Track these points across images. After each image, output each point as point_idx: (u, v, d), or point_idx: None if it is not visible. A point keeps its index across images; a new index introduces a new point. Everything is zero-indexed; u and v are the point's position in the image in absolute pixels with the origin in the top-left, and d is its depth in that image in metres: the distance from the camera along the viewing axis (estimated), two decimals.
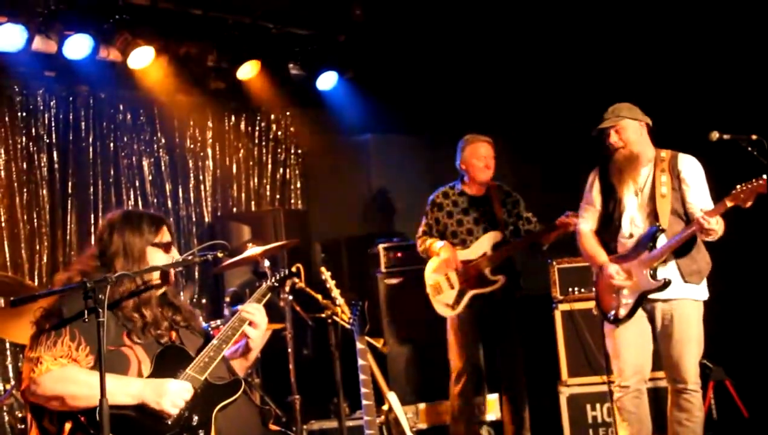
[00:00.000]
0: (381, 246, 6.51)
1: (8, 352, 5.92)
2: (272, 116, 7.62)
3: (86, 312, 2.83)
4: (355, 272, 6.87)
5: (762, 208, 4.24)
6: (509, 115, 6.67)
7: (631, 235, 4.43)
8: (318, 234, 7.11)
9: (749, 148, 4.25)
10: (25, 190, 6.23)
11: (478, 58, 6.81)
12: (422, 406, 6.17)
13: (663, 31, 6.14)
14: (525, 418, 5.58)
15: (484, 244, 5.53)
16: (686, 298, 4.37)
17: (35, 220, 6.26)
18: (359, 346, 4.47)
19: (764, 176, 4.01)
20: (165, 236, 3.24)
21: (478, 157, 5.58)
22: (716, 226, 4.14)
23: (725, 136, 4.28)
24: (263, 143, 7.59)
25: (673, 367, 4.39)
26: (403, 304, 6.32)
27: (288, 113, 7.66)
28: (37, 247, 6.24)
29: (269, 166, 7.60)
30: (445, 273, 5.55)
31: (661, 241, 4.32)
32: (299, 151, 7.77)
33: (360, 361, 4.41)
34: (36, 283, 6.00)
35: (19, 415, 5.57)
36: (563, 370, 5.68)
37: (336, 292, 4.87)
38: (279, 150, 7.67)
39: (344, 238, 7.15)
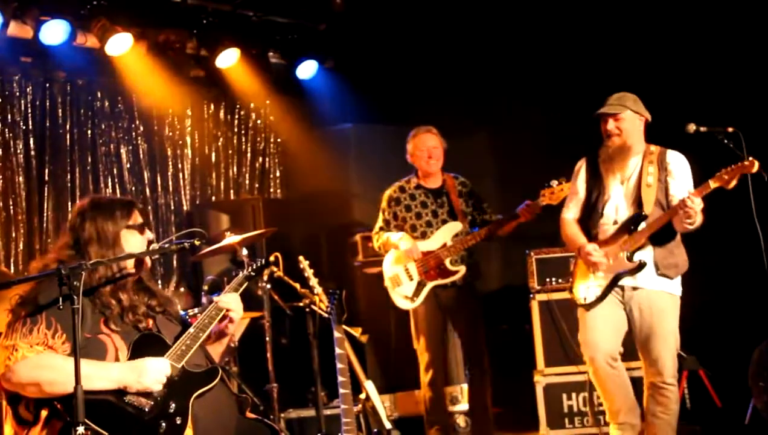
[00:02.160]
0: (359, 235, 6.52)
1: None
2: (252, 105, 7.59)
3: (61, 299, 2.82)
4: (333, 261, 6.88)
5: (734, 200, 4.28)
6: (491, 105, 6.69)
7: (615, 223, 4.46)
8: (297, 223, 7.10)
9: (725, 141, 4.28)
10: (0, 176, 6.18)
11: (459, 48, 6.82)
12: (399, 395, 6.20)
13: (646, 25, 6.17)
14: (487, 403, 5.54)
15: (443, 235, 5.53)
16: (662, 290, 4.40)
17: (11, 207, 6.22)
18: (337, 334, 4.47)
19: (751, 157, 4.07)
20: (137, 218, 3.24)
21: (422, 149, 5.57)
22: (698, 206, 4.14)
23: (702, 129, 4.31)
24: (242, 132, 7.57)
25: (652, 361, 4.41)
26: (381, 294, 6.32)
27: (268, 102, 7.63)
28: (13, 235, 6.20)
29: (248, 155, 7.58)
30: (405, 265, 5.54)
31: (643, 226, 4.36)
32: (279, 140, 7.75)
33: (337, 350, 4.42)
34: (12, 271, 5.96)
35: None
36: (540, 359, 5.71)
37: (314, 281, 4.87)
38: (258, 139, 7.66)
39: (323, 227, 7.16)
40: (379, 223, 5.71)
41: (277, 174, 7.74)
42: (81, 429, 2.69)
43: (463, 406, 6.07)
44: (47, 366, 2.88)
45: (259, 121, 7.66)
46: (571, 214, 4.67)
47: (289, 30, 6.97)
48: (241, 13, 6.67)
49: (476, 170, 5.72)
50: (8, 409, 3.02)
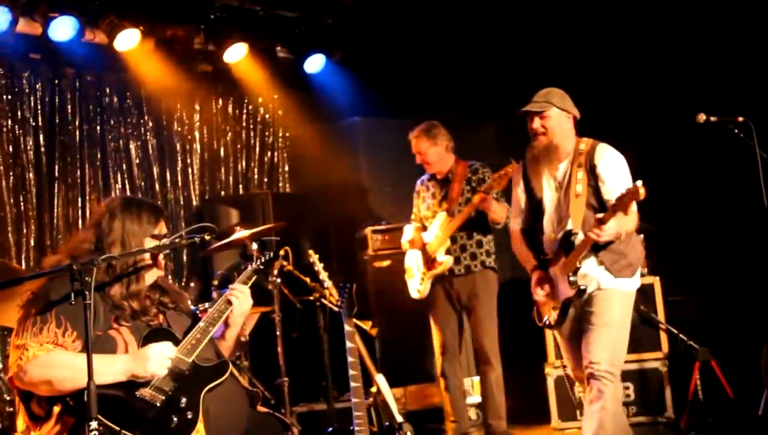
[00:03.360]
0: (369, 229, 6.52)
1: None
2: (260, 99, 7.59)
3: (73, 295, 2.83)
4: (343, 255, 6.88)
5: (746, 193, 4.25)
6: (499, 98, 6.66)
7: (552, 236, 4.19)
8: (306, 217, 7.10)
9: (736, 131, 4.26)
10: (11, 173, 6.20)
11: (467, 40, 6.80)
12: (411, 388, 6.20)
13: (655, 15, 6.14)
14: (495, 393, 5.47)
15: (435, 227, 5.56)
16: (611, 287, 4.07)
17: (22, 204, 6.24)
18: (347, 328, 4.47)
19: (638, 183, 3.70)
20: (163, 229, 3.24)
21: (416, 152, 5.62)
22: (612, 230, 3.85)
23: (712, 118, 4.27)
24: (251, 126, 7.57)
25: (585, 350, 4.07)
26: (390, 287, 6.33)
27: (276, 96, 7.63)
28: (24, 231, 6.22)
29: (257, 150, 7.58)
30: (415, 257, 5.63)
31: (579, 239, 4.00)
32: (287, 134, 7.75)
33: (348, 344, 4.42)
34: (23, 267, 5.98)
35: (8, 398, 5.55)
36: (550, 351, 5.71)
37: (324, 275, 4.88)
38: (267, 133, 7.65)
39: (332, 221, 7.16)
40: (412, 215, 5.81)
41: (286, 168, 7.74)
42: (94, 424, 2.69)
43: (475, 398, 6.06)
44: (57, 364, 2.89)
45: (267, 116, 7.65)
46: (516, 224, 4.41)
47: (296, 24, 6.97)
48: (249, 7, 6.67)
49: (483, 161, 5.70)
50: (21, 405, 3.03)
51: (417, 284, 5.60)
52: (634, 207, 3.89)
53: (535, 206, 4.28)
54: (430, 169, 5.64)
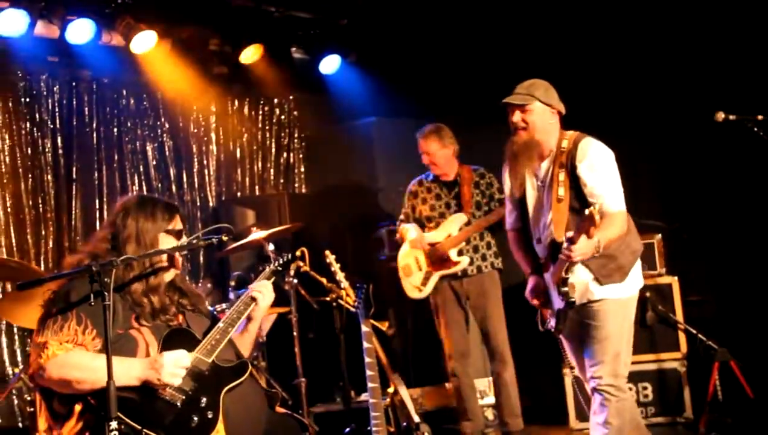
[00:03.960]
0: (385, 229, 6.52)
1: (16, 337, 5.96)
2: (275, 100, 7.60)
3: (92, 296, 2.85)
4: (359, 255, 6.87)
5: (766, 198, 4.20)
6: None
7: (539, 240, 3.99)
8: (322, 217, 7.11)
9: (755, 129, 4.22)
10: (29, 175, 6.24)
11: (482, 39, 6.78)
12: (428, 388, 6.19)
13: (672, 12, 6.11)
14: (510, 401, 5.48)
15: (449, 226, 5.59)
16: (606, 298, 3.87)
17: (40, 206, 6.27)
18: (364, 328, 4.47)
19: (592, 208, 3.48)
20: (177, 224, 3.26)
21: (423, 153, 5.65)
22: (585, 248, 3.62)
23: (731, 117, 4.22)
24: (267, 127, 7.58)
25: (587, 362, 3.95)
26: None
27: (291, 97, 7.64)
28: (43, 233, 6.26)
29: (273, 151, 7.59)
30: (415, 255, 5.64)
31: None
32: (303, 135, 7.76)
33: (365, 344, 4.42)
34: (42, 268, 6.02)
35: (28, 398, 5.61)
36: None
37: (341, 276, 4.88)
38: (282, 134, 7.66)
39: (348, 221, 7.15)
40: (401, 215, 5.84)
41: (302, 169, 7.75)
42: (114, 424, 2.71)
43: (491, 399, 6.05)
44: (75, 365, 2.91)
45: (282, 117, 7.67)
46: (510, 224, 4.21)
47: (311, 25, 6.97)
48: (264, 8, 6.67)
49: (497, 162, 5.68)
50: (42, 403, 3.05)
51: (418, 283, 5.61)
52: (622, 209, 3.74)
53: (519, 206, 4.09)
54: (436, 171, 5.67)
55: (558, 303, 3.88)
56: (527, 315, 5.49)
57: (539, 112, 3.94)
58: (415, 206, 5.74)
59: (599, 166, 3.84)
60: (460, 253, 5.55)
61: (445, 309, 5.60)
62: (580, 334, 3.99)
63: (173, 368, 2.94)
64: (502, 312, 5.56)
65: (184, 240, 3.27)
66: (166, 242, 3.20)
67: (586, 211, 3.50)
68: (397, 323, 6.38)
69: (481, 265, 5.59)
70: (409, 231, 5.66)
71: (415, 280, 5.64)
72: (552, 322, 4.00)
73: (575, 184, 3.85)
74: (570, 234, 3.64)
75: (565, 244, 3.64)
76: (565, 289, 3.76)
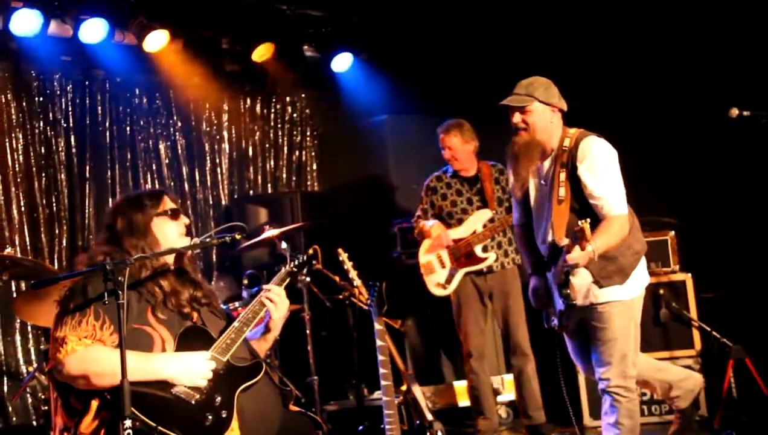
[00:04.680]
0: (398, 227, 6.52)
1: (30, 335, 5.99)
2: (287, 98, 7.61)
3: (106, 295, 2.87)
4: (372, 253, 6.86)
5: None
6: None
7: (543, 240, 3.99)
8: (335, 215, 7.12)
9: None
10: (43, 174, 6.27)
11: (493, 36, 6.76)
12: (441, 386, 6.19)
13: (685, 9, 6.08)
14: (533, 395, 5.51)
15: (474, 222, 5.57)
16: (611, 300, 3.87)
17: (54, 205, 6.30)
18: (377, 326, 4.48)
19: (580, 223, 3.50)
20: (167, 204, 3.29)
21: (444, 148, 5.63)
22: (582, 257, 3.60)
23: (745, 113, 4.19)
24: (279, 125, 7.59)
25: (594, 363, 3.97)
26: (420, 285, 6.32)
27: (303, 95, 7.65)
28: (57, 231, 6.29)
29: (285, 149, 7.60)
30: (437, 252, 5.60)
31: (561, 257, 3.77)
32: (315, 133, 7.76)
33: (378, 342, 4.42)
34: (56, 267, 6.05)
35: (42, 396, 5.63)
36: None
37: (353, 274, 4.89)
38: (295, 132, 7.67)
39: (361, 219, 7.15)
40: (418, 211, 5.81)
41: (314, 167, 7.75)
42: (128, 422, 2.72)
43: (505, 396, 6.05)
44: (95, 359, 2.92)
45: (295, 115, 7.67)
46: (517, 219, 4.22)
47: (323, 23, 6.97)
48: (276, 7, 6.68)
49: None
50: (58, 400, 3.07)
51: (441, 280, 5.58)
52: (622, 212, 3.72)
53: (523, 205, 4.11)
54: (456, 166, 5.65)
55: (560, 304, 3.85)
56: (537, 311, 5.51)
57: (539, 112, 3.91)
58: (434, 202, 5.70)
59: (599, 167, 3.79)
60: (486, 249, 5.53)
61: (467, 306, 5.58)
62: (584, 334, 3.99)
63: (204, 371, 2.98)
64: (522, 307, 5.54)
65: (184, 218, 3.31)
66: (162, 225, 3.24)
67: (579, 224, 3.51)
68: (410, 321, 6.37)
69: (504, 262, 5.59)
70: (433, 228, 5.62)
71: (439, 277, 5.61)
72: (555, 321, 3.99)
73: (576, 184, 3.81)
74: (565, 242, 3.63)
75: (563, 254, 3.63)
76: (567, 290, 3.76)
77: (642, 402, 5.46)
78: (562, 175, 3.81)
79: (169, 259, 3.25)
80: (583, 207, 3.77)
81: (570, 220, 3.78)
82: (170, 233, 3.24)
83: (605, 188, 3.77)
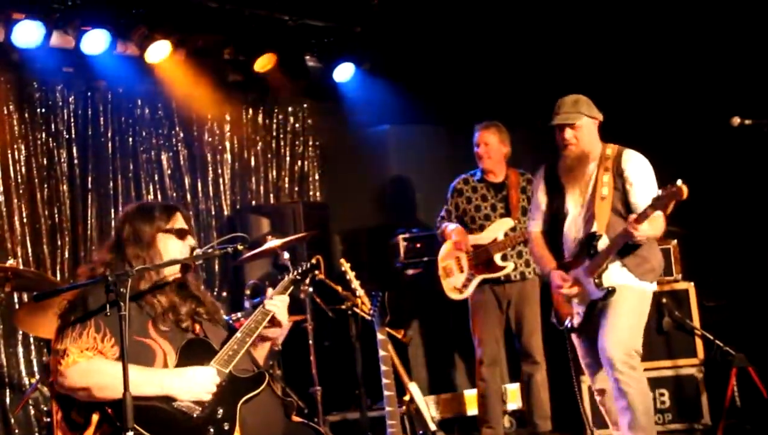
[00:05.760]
0: (401, 236, 6.51)
1: (32, 347, 5.98)
2: (290, 108, 7.61)
3: (108, 306, 2.87)
4: (374, 263, 6.87)
5: None
6: (529, 104, 6.63)
7: (575, 239, 4.29)
8: (337, 226, 7.12)
9: None
10: (45, 185, 6.27)
11: (497, 47, 6.77)
12: (444, 396, 6.18)
13: (687, 17, 6.09)
14: (541, 403, 5.52)
15: (495, 230, 5.56)
16: (627, 283, 4.18)
17: (56, 216, 6.30)
18: (380, 337, 4.48)
19: (678, 182, 3.80)
20: (178, 223, 3.26)
21: (476, 144, 5.65)
22: (648, 231, 4.01)
23: (747, 122, 4.21)
24: (281, 136, 7.59)
25: (601, 340, 4.17)
26: (423, 295, 6.32)
27: (305, 105, 7.65)
28: (59, 243, 6.28)
29: (287, 159, 7.60)
30: (456, 256, 5.60)
31: (604, 242, 4.13)
32: (317, 143, 7.76)
33: (381, 352, 4.42)
34: (58, 278, 6.04)
35: (45, 408, 5.63)
36: None
37: (356, 284, 4.89)
38: (297, 142, 7.67)
39: (364, 229, 7.15)
40: (442, 212, 5.80)
41: (316, 177, 7.74)
42: (130, 434, 2.71)
43: (510, 405, 6.03)
44: (97, 371, 2.92)
45: (297, 125, 7.67)
46: (536, 226, 4.54)
47: (325, 33, 6.98)
48: (278, 17, 6.69)
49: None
50: (59, 413, 3.06)
51: (459, 284, 5.57)
52: (659, 213, 3.95)
53: (558, 209, 4.37)
54: (486, 165, 5.62)
55: (592, 296, 4.12)
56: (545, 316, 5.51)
57: (587, 126, 4.30)
58: (459, 204, 5.69)
59: (644, 172, 4.22)
60: (505, 257, 5.51)
61: (484, 315, 5.56)
62: (596, 326, 4.18)
63: (207, 385, 2.97)
64: (539, 316, 5.54)
65: (191, 240, 3.27)
66: (167, 241, 3.21)
67: (678, 183, 3.78)
68: (413, 331, 6.36)
69: (525, 271, 5.56)
70: (455, 232, 5.60)
71: (456, 281, 5.60)
72: (576, 320, 4.20)
73: (620, 186, 4.20)
74: (634, 215, 3.95)
75: (632, 218, 3.95)
76: (600, 280, 4.09)
77: None
78: (606, 177, 4.20)
79: (171, 272, 3.23)
80: (625, 207, 4.18)
81: (611, 217, 4.16)
82: (173, 251, 3.21)
83: (650, 189, 4.11)
